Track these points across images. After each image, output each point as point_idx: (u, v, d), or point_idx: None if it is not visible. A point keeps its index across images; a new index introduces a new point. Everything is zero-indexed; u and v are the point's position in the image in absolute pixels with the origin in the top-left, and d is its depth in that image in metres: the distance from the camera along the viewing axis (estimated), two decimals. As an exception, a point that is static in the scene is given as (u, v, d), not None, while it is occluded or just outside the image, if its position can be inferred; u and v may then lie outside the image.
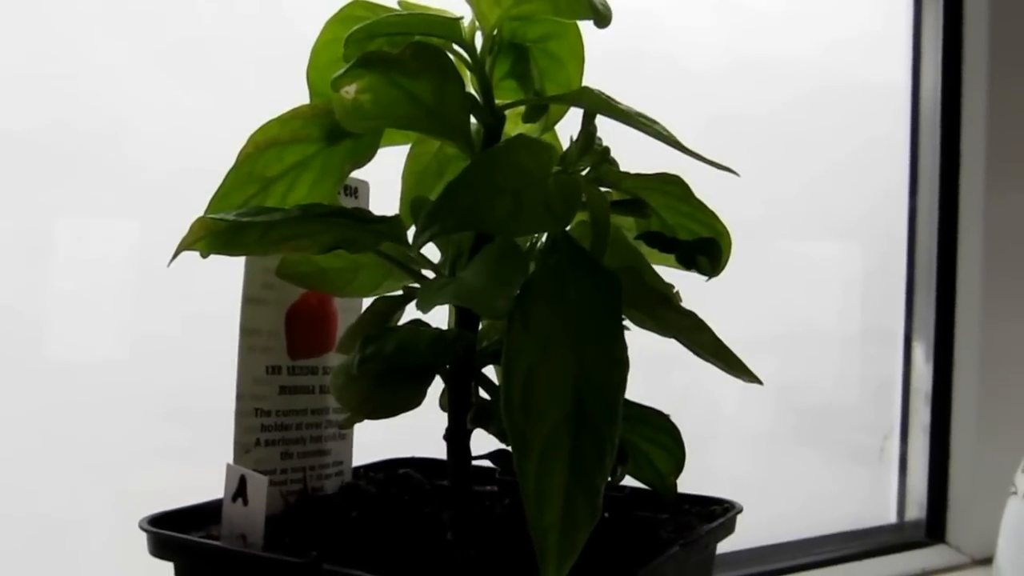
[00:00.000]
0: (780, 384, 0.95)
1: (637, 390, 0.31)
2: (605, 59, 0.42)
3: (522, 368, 0.28)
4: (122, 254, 0.65)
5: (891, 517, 1.00)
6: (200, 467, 0.52)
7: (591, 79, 0.42)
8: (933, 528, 0.97)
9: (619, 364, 0.29)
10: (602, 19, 0.32)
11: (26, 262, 0.62)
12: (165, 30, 0.66)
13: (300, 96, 0.43)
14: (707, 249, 0.34)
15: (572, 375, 0.29)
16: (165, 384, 0.65)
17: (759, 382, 0.33)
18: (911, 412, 1.01)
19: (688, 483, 0.43)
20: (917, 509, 0.99)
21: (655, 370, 0.40)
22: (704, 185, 0.38)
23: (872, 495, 1.02)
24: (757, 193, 0.87)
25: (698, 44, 0.91)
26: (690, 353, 0.37)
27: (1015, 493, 0.67)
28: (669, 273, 0.41)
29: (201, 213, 0.38)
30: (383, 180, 0.47)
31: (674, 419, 0.40)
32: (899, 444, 1.01)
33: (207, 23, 0.67)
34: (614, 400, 0.29)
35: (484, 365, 0.39)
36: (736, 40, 0.93)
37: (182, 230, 0.37)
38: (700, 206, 0.36)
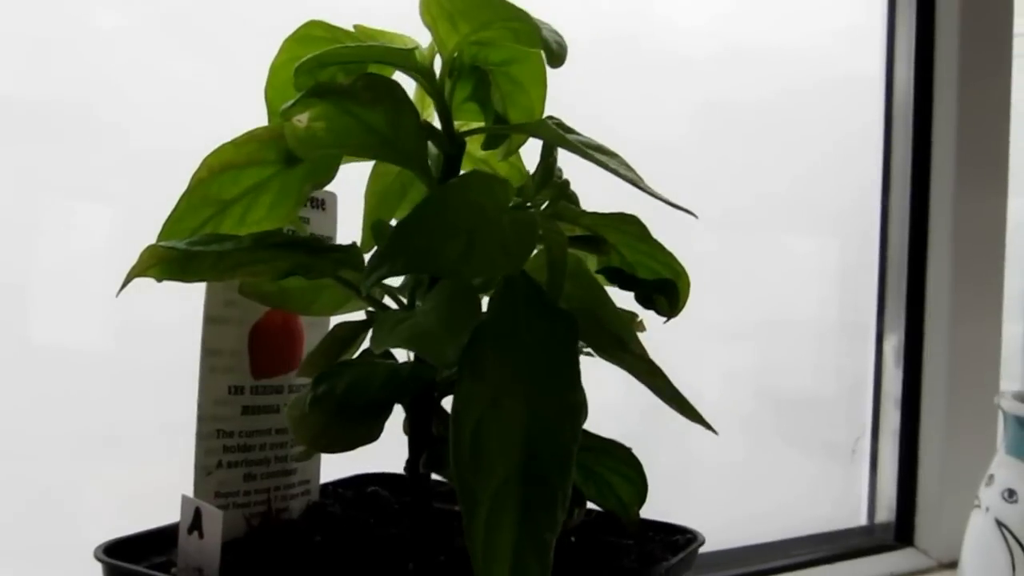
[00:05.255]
0: (758, 375, 0.95)
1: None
2: (598, 43, 0.41)
3: (471, 419, 0.28)
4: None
5: (862, 519, 1.01)
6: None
7: (585, 63, 0.40)
8: (902, 531, 0.98)
9: (573, 412, 0.29)
10: (555, 57, 0.31)
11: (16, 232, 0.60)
12: None
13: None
14: (665, 290, 0.34)
15: (523, 426, 0.28)
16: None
17: (714, 431, 0.32)
18: (881, 415, 1.02)
19: (671, 472, 0.42)
20: (887, 512, 0.99)
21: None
22: (691, 174, 0.37)
23: (843, 496, 1.02)
24: (745, 183, 0.87)
25: (690, 31, 0.90)
26: (670, 342, 0.38)
27: (978, 506, 0.68)
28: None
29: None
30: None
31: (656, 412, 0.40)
32: (869, 447, 1.02)
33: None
34: (567, 451, 0.28)
35: (444, 396, 0.38)
36: (727, 29, 0.92)
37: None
38: (658, 246, 0.35)
